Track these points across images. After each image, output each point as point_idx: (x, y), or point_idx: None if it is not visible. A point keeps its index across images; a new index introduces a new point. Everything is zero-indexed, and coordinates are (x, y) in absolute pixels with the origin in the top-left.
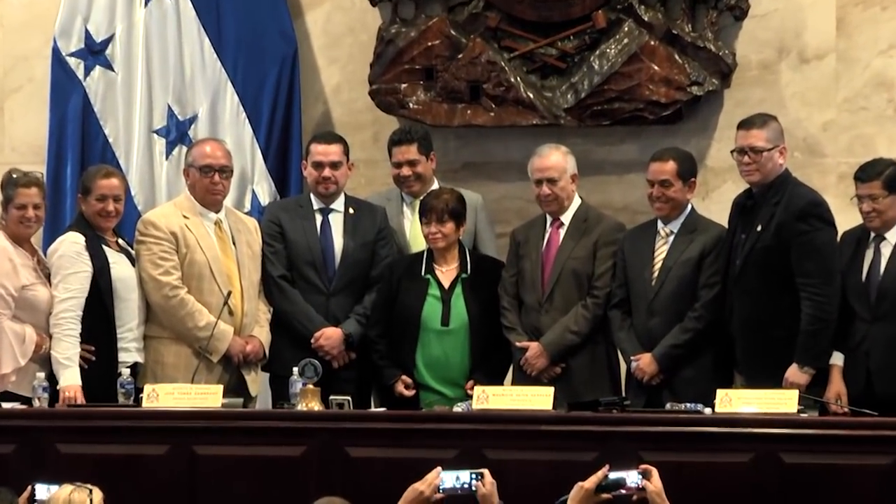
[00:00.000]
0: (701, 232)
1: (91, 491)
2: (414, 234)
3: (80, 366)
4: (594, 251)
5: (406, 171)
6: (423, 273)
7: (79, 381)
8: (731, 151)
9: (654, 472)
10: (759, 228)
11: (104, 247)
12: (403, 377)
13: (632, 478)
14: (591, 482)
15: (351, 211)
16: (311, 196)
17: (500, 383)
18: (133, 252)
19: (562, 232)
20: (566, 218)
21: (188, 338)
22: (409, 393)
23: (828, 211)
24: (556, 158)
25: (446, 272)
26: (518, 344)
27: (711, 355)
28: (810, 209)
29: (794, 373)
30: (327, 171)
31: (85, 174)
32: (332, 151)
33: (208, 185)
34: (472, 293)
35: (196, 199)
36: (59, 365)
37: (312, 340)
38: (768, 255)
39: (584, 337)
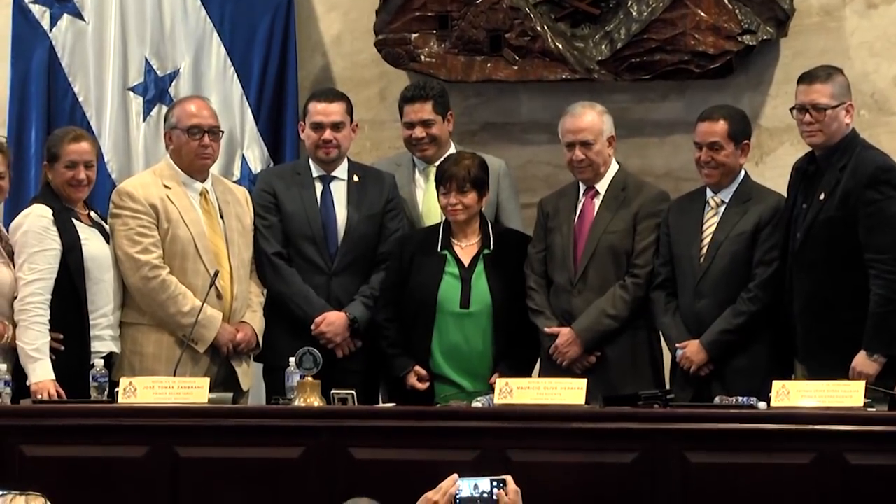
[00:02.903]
0: (756, 201)
1: (45, 500)
2: (427, 205)
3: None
4: (634, 224)
5: (419, 132)
6: (439, 248)
7: (52, 376)
8: (791, 109)
9: (510, 482)
10: (822, 197)
11: (74, 221)
12: (417, 368)
13: (483, 486)
14: (441, 496)
15: (355, 179)
16: (310, 162)
17: (527, 375)
18: (107, 227)
19: (597, 202)
20: (602, 186)
21: (170, 325)
22: (423, 386)
23: None
24: (590, 118)
25: (466, 248)
26: (547, 330)
27: (768, 342)
28: (880, 175)
29: (862, 361)
30: (328, 134)
31: (51, 138)
32: (333, 111)
33: (197, 148)
34: (496, 271)
35: (181, 165)
36: (27, 358)
37: (313, 326)
38: (833, 228)
39: (623, 322)
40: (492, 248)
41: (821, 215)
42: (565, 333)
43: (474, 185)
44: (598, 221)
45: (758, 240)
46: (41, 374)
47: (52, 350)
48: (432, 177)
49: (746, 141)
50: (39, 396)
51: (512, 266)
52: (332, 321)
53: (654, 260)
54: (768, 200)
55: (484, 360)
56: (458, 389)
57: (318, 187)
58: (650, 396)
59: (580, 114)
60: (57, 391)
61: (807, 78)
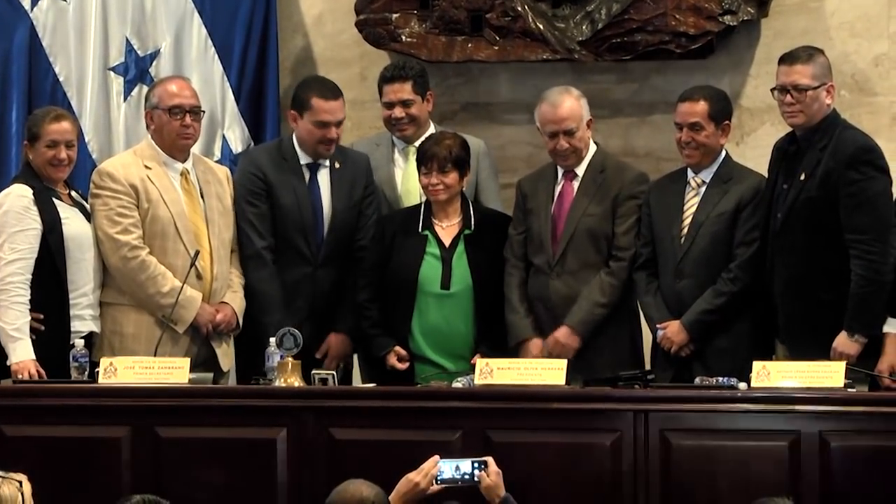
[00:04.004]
0: (737, 181)
1: (21, 483)
2: (406, 185)
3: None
4: (614, 207)
5: (399, 112)
6: (420, 229)
7: (32, 356)
8: (772, 90)
9: (491, 463)
10: (802, 177)
11: (55, 200)
12: (397, 348)
13: (465, 467)
14: (423, 477)
15: (337, 165)
16: (297, 148)
17: (508, 355)
18: (88, 206)
19: (575, 184)
20: (580, 168)
21: (150, 305)
22: (403, 366)
23: (881, 157)
24: (570, 106)
25: (447, 228)
26: (536, 343)
27: (749, 323)
28: (861, 155)
29: (843, 342)
30: (334, 132)
31: (32, 118)
32: (338, 108)
33: (179, 128)
34: (477, 252)
35: (162, 145)
36: (7, 338)
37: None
38: (813, 208)
39: (614, 307)
40: (472, 228)
41: (801, 196)
42: (563, 331)
43: (455, 165)
44: (576, 205)
45: (738, 220)
46: (21, 354)
47: (32, 330)
48: (411, 157)
49: (727, 121)
50: (20, 376)
51: (493, 247)
52: (336, 346)
53: (637, 241)
54: (749, 180)
55: (465, 340)
56: (438, 370)
57: (306, 175)
58: (630, 377)
59: (559, 102)
60: (38, 371)
61: (788, 59)
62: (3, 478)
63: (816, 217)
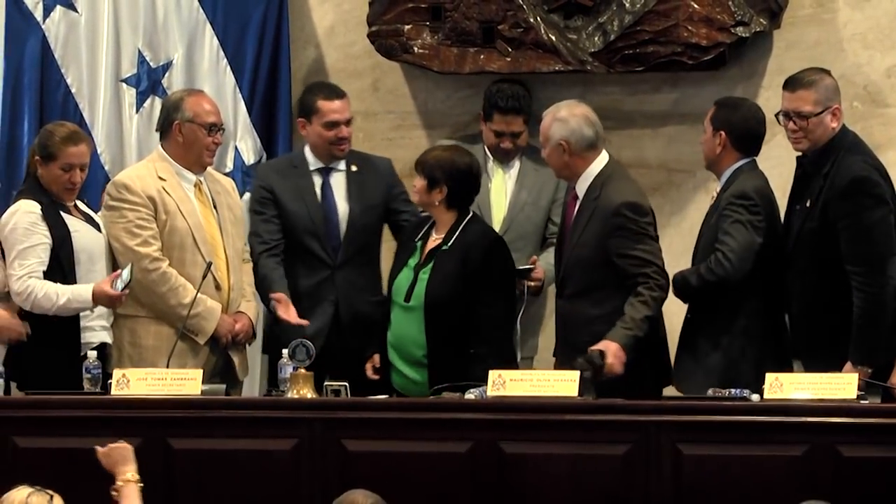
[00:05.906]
0: (729, 191)
1: (52, 497)
2: (494, 195)
3: (32, 346)
4: (603, 240)
5: (507, 143)
6: (416, 239)
7: (91, 284)
8: (776, 115)
9: None
10: (808, 204)
11: (63, 214)
12: (375, 357)
13: None
14: None
15: (353, 168)
16: (308, 154)
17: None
18: (96, 217)
19: (577, 205)
20: (581, 189)
21: (171, 317)
22: (373, 377)
23: (876, 185)
24: (543, 122)
25: (434, 241)
26: None
27: (769, 342)
28: (855, 186)
29: (849, 372)
30: (345, 130)
31: (46, 134)
32: (346, 107)
33: (210, 144)
34: (443, 267)
35: (185, 158)
36: (69, 301)
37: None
38: (816, 237)
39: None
40: (449, 244)
41: (806, 224)
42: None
43: (424, 175)
44: (572, 233)
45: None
46: (86, 289)
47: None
48: (499, 170)
49: (722, 130)
50: (108, 290)
51: (463, 264)
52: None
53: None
54: (735, 187)
55: (420, 353)
56: (405, 380)
57: (318, 180)
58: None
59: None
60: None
61: (790, 84)
62: (36, 490)
63: (820, 246)
